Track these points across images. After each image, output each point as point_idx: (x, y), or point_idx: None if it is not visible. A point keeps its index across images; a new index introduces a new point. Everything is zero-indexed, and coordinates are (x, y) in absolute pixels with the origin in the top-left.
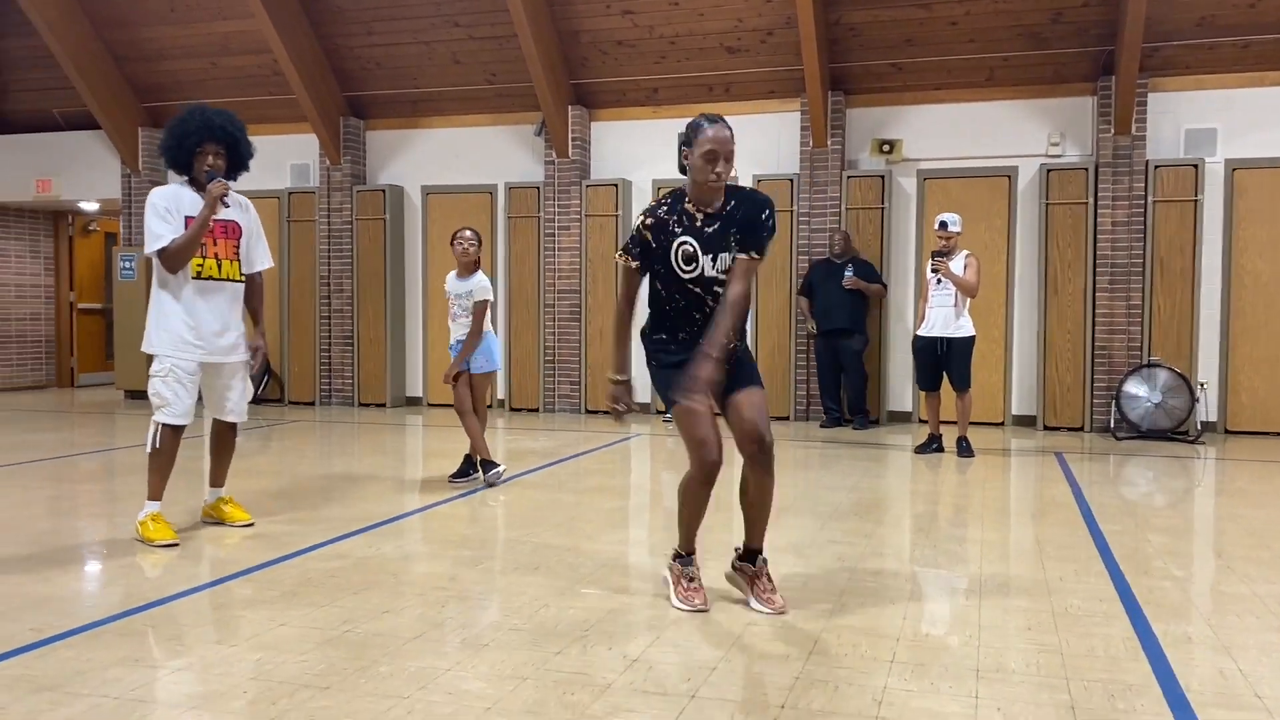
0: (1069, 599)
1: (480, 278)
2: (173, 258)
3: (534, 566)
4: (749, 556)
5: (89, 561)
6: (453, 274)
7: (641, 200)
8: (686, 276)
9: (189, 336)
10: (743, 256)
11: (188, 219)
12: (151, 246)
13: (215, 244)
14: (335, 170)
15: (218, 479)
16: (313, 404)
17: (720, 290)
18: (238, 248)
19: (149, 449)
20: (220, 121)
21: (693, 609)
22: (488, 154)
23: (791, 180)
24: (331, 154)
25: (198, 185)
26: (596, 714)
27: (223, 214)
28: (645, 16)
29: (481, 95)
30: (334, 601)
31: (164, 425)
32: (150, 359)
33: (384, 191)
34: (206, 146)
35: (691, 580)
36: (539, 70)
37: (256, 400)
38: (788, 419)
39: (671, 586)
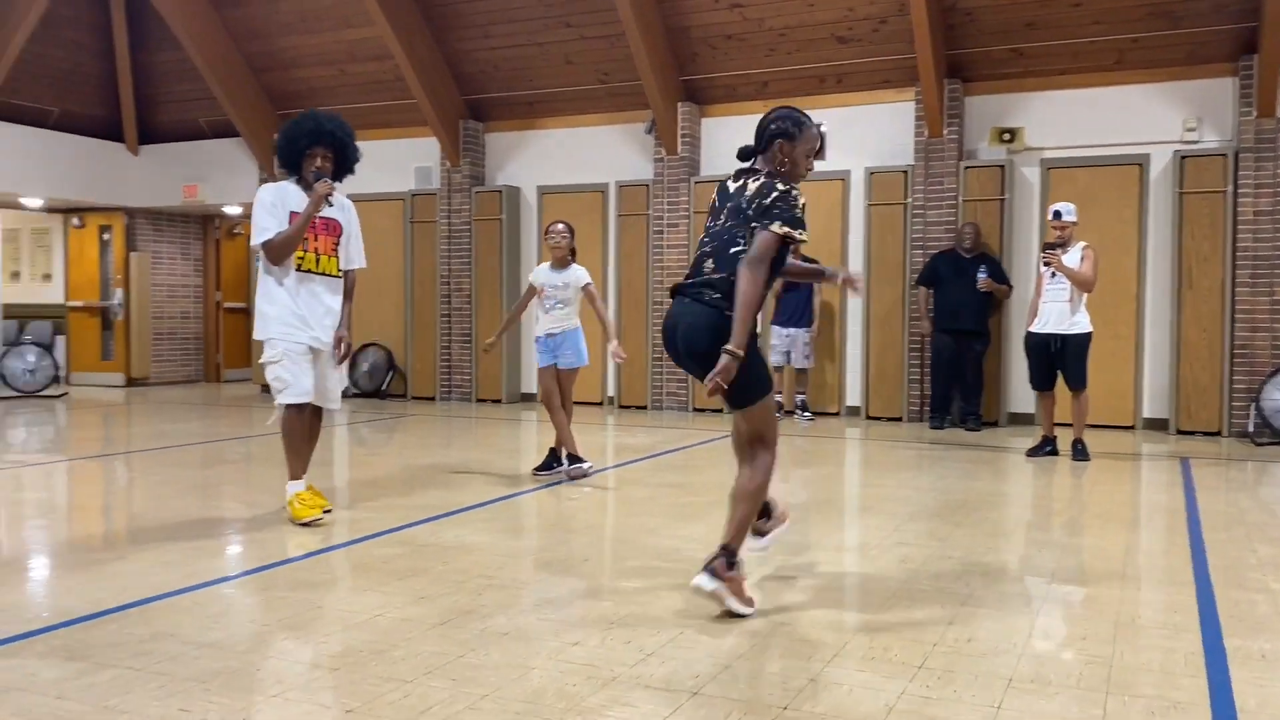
0: (1139, 609)
1: (576, 268)
2: (276, 250)
3: (583, 559)
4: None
5: (155, 541)
6: (545, 266)
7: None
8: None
9: (293, 321)
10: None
11: (292, 214)
12: (258, 239)
13: (316, 239)
14: (455, 172)
15: (304, 469)
16: (433, 399)
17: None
18: (337, 245)
19: (281, 432)
20: (330, 126)
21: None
22: (600, 153)
23: (905, 172)
24: (451, 156)
25: (306, 184)
26: (591, 705)
27: (326, 212)
28: (754, 9)
29: (594, 95)
30: (378, 587)
31: (288, 406)
32: (262, 348)
33: (500, 192)
34: (316, 149)
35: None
36: (647, 68)
37: (380, 395)
38: (900, 420)
39: (735, 596)
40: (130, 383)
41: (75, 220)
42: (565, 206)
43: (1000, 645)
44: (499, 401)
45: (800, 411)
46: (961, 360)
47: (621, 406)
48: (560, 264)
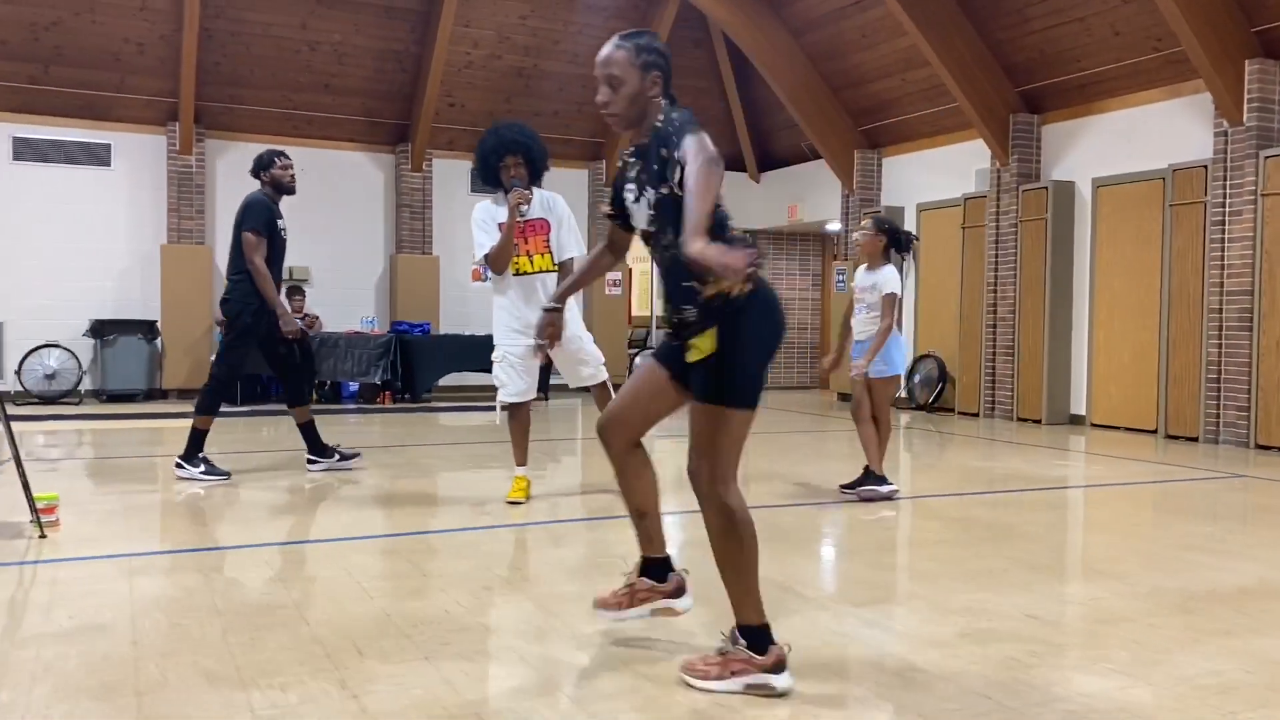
0: None
1: (889, 270)
2: (493, 261)
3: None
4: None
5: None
6: (863, 267)
7: None
8: None
9: (516, 326)
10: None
11: (500, 225)
12: (479, 255)
13: (526, 242)
14: (1004, 171)
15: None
16: (977, 415)
17: None
18: (547, 241)
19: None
20: (511, 135)
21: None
22: (1158, 134)
23: None
24: (1000, 155)
25: (511, 188)
26: (563, 708)
27: (530, 214)
28: None
29: (1148, 67)
30: (482, 566)
31: (505, 403)
32: None
33: (1046, 189)
34: (506, 159)
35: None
36: (1183, 25)
37: (931, 408)
38: None
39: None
40: None
41: None
42: (1122, 199)
43: None
44: (1039, 422)
45: None
46: None
47: (1169, 436)
48: (875, 263)
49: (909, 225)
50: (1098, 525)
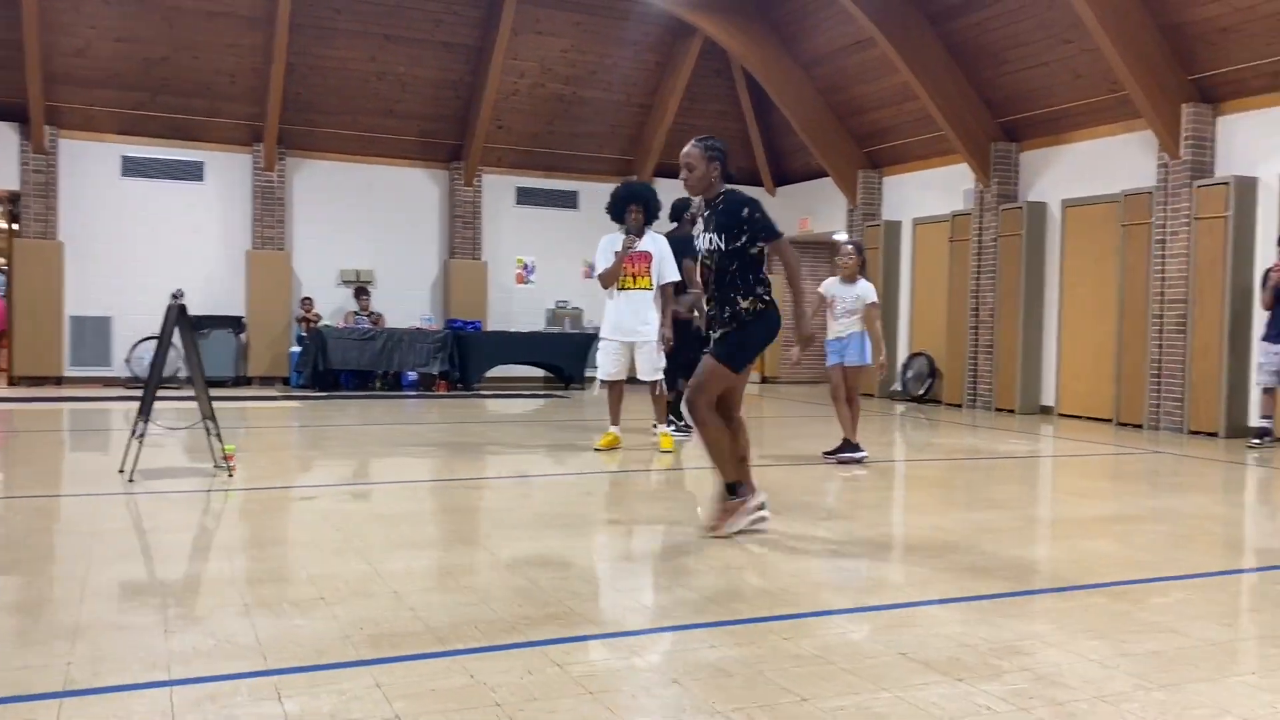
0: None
1: (864, 284)
2: (604, 280)
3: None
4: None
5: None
6: (834, 280)
7: (1268, 199)
8: None
9: (615, 325)
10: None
11: (615, 254)
12: (595, 273)
13: (632, 267)
14: (986, 192)
15: (660, 417)
16: (960, 406)
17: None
18: (649, 268)
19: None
20: (639, 190)
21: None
22: (1115, 162)
23: None
24: (981, 178)
25: (628, 231)
26: (512, 632)
27: (637, 248)
28: None
29: (1106, 105)
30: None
31: (601, 380)
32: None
33: (1022, 208)
34: (632, 207)
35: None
36: (1127, 74)
37: (922, 400)
38: None
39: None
40: (764, 380)
41: None
42: (1084, 219)
43: None
44: (1013, 412)
45: None
46: None
47: (1120, 424)
48: (849, 279)
49: (906, 237)
50: (1015, 480)
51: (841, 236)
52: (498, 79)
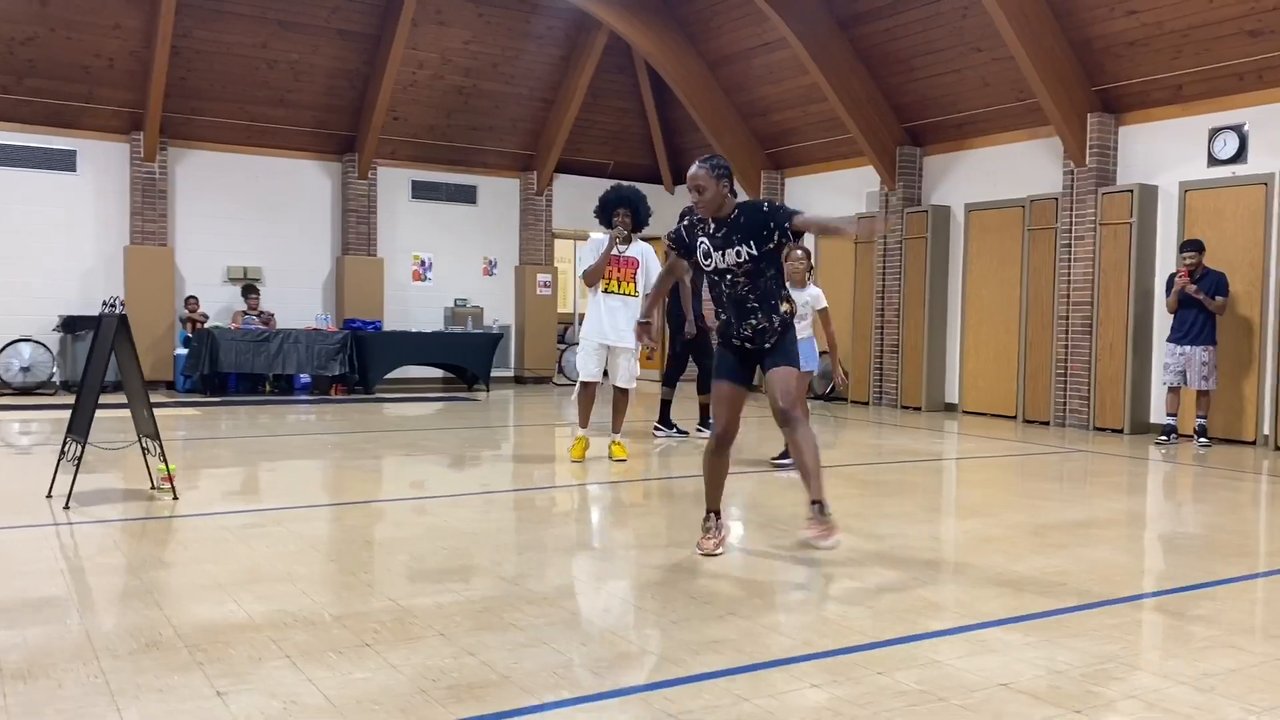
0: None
1: (814, 289)
2: (588, 277)
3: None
4: (812, 505)
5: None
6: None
7: (1168, 206)
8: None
9: (596, 327)
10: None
11: (604, 251)
12: (580, 270)
13: (618, 270)
14: (891, 195)
15: (616, 427)
16: (867, 404)
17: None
18: (634, 275)
19: (573, 396)
20: (626, 194)
21: (702, 553)
22: (1020, 169)
23: None
24: (887, 181)
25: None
26: (486, 635)
27: (627, 253)
28: (1150, 14)
29: (1013, 113)
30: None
31: (582, 381)
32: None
33: (927, 212)
34: (619, 210)
35: (707, 532)
36: (1038, 83)
37: (828, 398)
38: None
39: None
40: None
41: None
42: (989, 223)
43: None
44: (919, 409)
45: (1198, 436)
46: None
47: (1026, 421)
48: (799, 284)
49: (808, 238)
50: (971, 484)
51: None
52: (396, 69)
